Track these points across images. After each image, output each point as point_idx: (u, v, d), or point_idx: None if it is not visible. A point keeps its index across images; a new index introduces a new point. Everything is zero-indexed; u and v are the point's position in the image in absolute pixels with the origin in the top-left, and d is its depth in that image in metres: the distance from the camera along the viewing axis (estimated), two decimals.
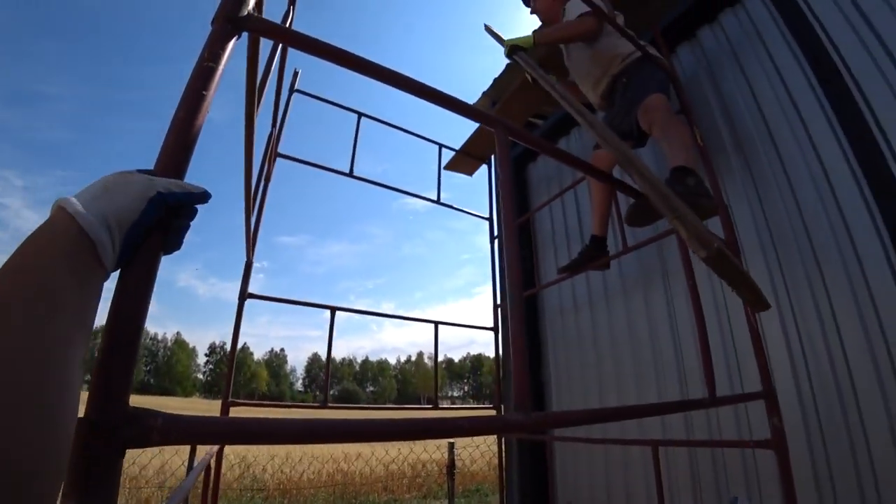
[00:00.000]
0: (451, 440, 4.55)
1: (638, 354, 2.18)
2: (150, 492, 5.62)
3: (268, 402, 2.09)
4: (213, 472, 1.40)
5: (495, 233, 3.07)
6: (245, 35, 0.65)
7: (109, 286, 0.42)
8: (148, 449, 0.40)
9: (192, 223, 0.49)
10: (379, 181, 2.65)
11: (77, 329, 0.33)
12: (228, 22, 0.57)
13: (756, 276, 1.73)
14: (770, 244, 1.73)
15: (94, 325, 0.39)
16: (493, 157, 3.45)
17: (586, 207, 2.70)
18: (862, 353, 1.41)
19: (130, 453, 0.40)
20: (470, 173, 3.58)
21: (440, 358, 2.42)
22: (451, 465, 4.49)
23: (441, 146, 2.99)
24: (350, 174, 2.40)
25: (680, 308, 2.03)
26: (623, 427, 2.09)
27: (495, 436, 2.93)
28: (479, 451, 6.95)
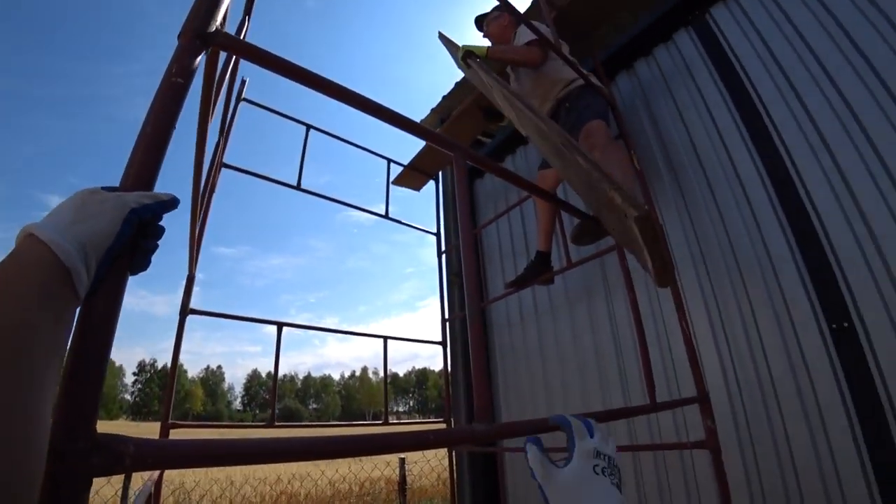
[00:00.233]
0: (402, 455, 4.49)
1: (583, 364, 2.28)
2: None
3: (211, 423, 1.98)
4: (152, 502, 1.32)
5: (443, 248, 3.12)
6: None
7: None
8: None
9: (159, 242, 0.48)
10: (325, 194, 2.62)
11: (49, 365, 0.32)
12: (197, 37, 0.57)
13: (688, 288, 1.88)
14: (700, 259, 1.88)
15: None
16: (440, 173, 3.50)
17: (531, 224, 2.80)
18: (780, 356, 1.58)
19: None
20: (417, 188, 3.61)
21: (384, 373, 2.41)
22: (403, 480, 4.43)
23: (390, 161, 3.01)
24: (298, 187, 2.36)
25: (621, 320, 2.15)
26: None
27: (445, 449, 2.94)
28: (430, 466, 6.89)
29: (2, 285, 0.32)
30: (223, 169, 2.04)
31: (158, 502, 1.39)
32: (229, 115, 2.00)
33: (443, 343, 2.81)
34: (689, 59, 2.14)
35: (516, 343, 2.72)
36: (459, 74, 3.22)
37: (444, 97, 3.44)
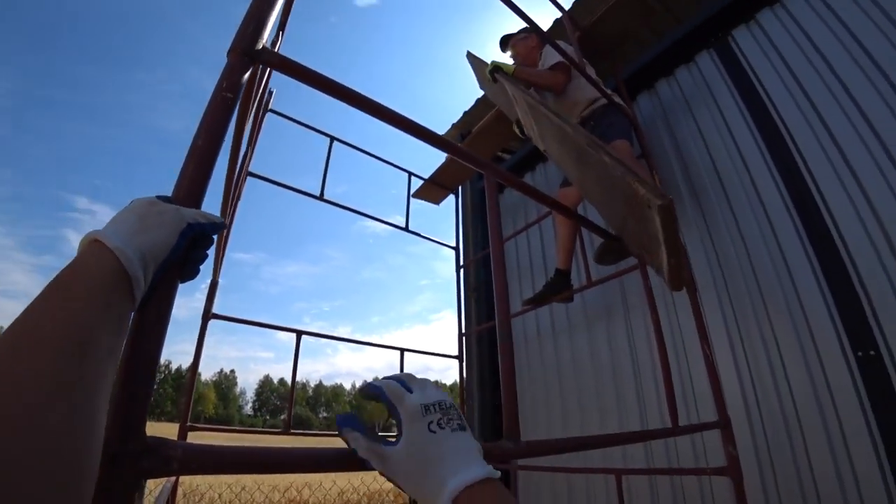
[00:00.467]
0: None
1: (600, 384, 2.25)
2: None
3: (229, 428, 2.00)
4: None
5: (461, 262, 3.12)
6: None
7: None
8: None
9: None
10: (346, 205, 2.65)
11: (108, 365, 0.33)
12: (245, 55, 0.59)
13: (709, 310, 1.85)
14: (722, 282, 1.86)
15: None
16: (460, 187, 3.52)
17: (549, 241, 2.80)
18: (804, 382, 1.54)
19: None
20: (437, 202, 3.63)
21: None
22: None
23: (411, 174, 3.04)
24: (321, 197, 2.39)
25: (640, 340, 2.13)
26: (586, 456, 2.14)
27: None
28: None
29: (69, 287, 0.34)
30: (248, 178, 2.09)
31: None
32: (257, 126, 2.05)
33: (459, 357, 2.80)
34: (711, 80, 2.14)
35: (533, 361, 2.70)
36: (480, 91, 3.27)
37: (465, 113, 3.49)
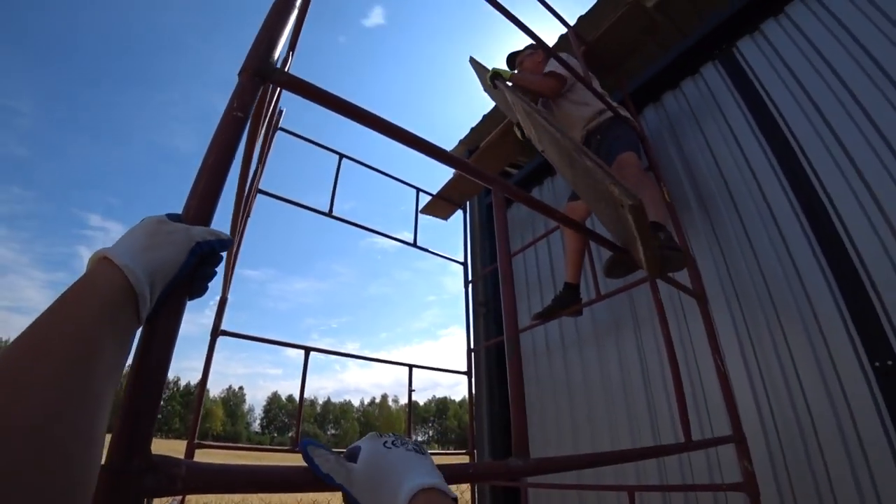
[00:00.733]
0: None
1: (610, 398, 2.22)
2: None
3: (236, 445, 1.99)
4: None
5: (469, 277, 3.12)
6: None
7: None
8: None
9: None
10: (355, 221, 2.67)
11: (110, 381, 0.34)
12: (256, 75, 0.60)
13: (720, 322, 1.82)
14: (734, 296, 1.83)
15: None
16: (468, 202, 3.54)
17: (557, 255, 2.79)
18: (819, 393, 1.51)
19: None
20: (445, 217, 3.64)
21: (405, 401, 2.38)
22: None
23: (419, 190, 3.06)
24: (330, 214, 2.41)
25: (650, 353, 2.10)
26: (598, 472, 2.09)
27: (468, 484, 2.86)
28: None
29: (77, 302, 0.35)
30: (258, 195, 2.11)
31: None
32: (268, 144, 2.08)
33: (468, 373, 2.78)
34: (717, 92, 2.14)
35: (542, 375, 2.66)
36: (487, 108, 3.30)
37: (472, 129, 3.52)
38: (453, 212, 3.51)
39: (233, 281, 1.88)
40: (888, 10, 1.66)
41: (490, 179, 0.85)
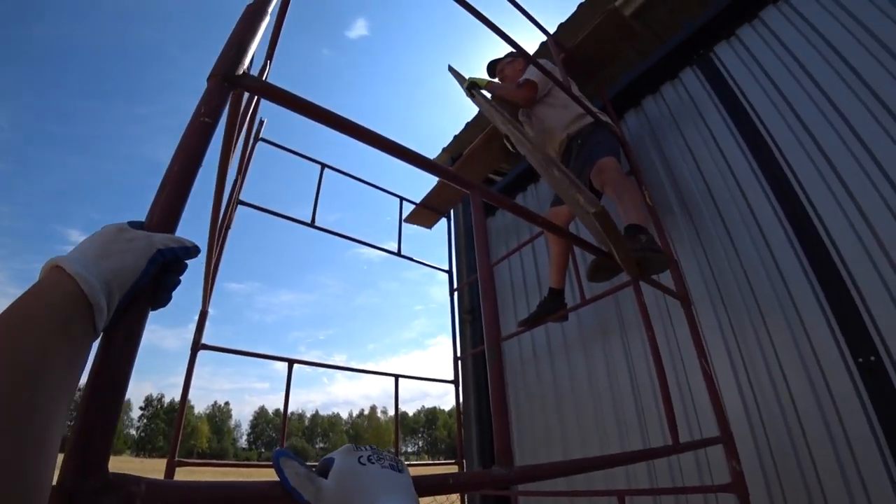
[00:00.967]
0: None
1: (599, 403, 2.21)
2: None
3: (218, 462, 1.93)
4: None
5: (455, 285, 3.10)
6: None
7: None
8: None
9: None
10: (338, 231, 2.65)
11: (62, 398, 0.32)
12: (225, 80, 0.59)
13: (706, 326, 1.83)
14: (718, 298, 1.85)
15: None
16: (452, 211, 3.53)
17: (543, 261, 2.79)
18: (805, 391, 1.52)
19: None
20: (429, 226, 3.63)
21: (395, 413, 2.35)
22: None
23: (402, 199, 3.05)
24: (312, 224, 2.39)
25: (637, 357, 2.10)
26: (588, 478, 2.08)
27: (457, 494, 2.82)
28: None
29: (25, 312, 0.33)
30: (239, 206, 2.08)
31: None
32: (247, 154, 2.06)
33: (455, 382, 2.75)
34: (696, 96, 2.18)
35: (529, 382, 2.65)
36: (470, 115, 3.32)
37: (455, 137, 3.53)
38: (437, 220, 3.50)
39: (214, 294, 1.84)
40: (860, 15, 1.70)
41: (467, 184, 0.84)
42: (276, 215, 2.35)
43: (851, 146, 1.60)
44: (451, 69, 2.39)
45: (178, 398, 1.70)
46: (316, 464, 0.48)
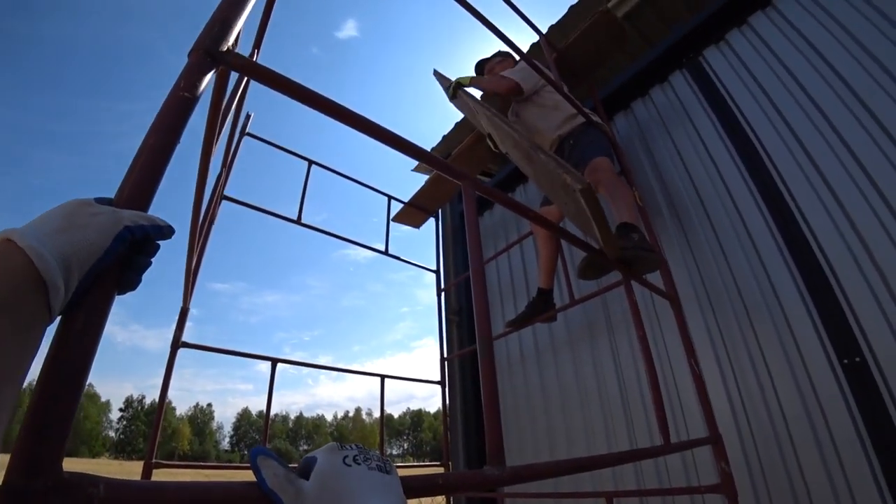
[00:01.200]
0: None
1: (586, 404, 2.20)
2: None
3: (197, 464, 1.87)
4: None
5: (442, 286, 3.07)
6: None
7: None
8: None
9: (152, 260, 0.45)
10: (325, 229, 2.60)
11: (9, 384, 0.28)
12: (207, 55, 0.56)
13: (694, 328, 1.83)
14: (706, 299, 1.85)
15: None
16: (440, 210, 3.50)
17: (531, 262, 2.78)
18: (792, 393, 1.53)
19: None
20: (417, 226, 3.60)
21: (380, 414, 2.31)
22: None
23: (390, 198, 3.01)
24: (298, 221, 2.34)
25: (625, 358, 2.09)
26: (575, 479, 2.06)
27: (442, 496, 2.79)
28: None
29: None
30: (223, 201, 2.03)
31: None
32: (233, 149, 2.01)
33: (441, 383, 2.72)
34: (685, 99, 2.18)
35: (517, 383, 2.63)
36: (459, 116, 3.29)
37: (444, 137, 3.50)
38: (426, 220, 3.47)
39: (198, 294, 1.79)
40: (847, 22, 1.72)
41: (460, 175, 0.81)
42: (262, 211, 2.30)
43: (838, 151, 1.61)
44: (436, 73, 2.37)
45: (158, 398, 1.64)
46: (297, 465, 0.44)
